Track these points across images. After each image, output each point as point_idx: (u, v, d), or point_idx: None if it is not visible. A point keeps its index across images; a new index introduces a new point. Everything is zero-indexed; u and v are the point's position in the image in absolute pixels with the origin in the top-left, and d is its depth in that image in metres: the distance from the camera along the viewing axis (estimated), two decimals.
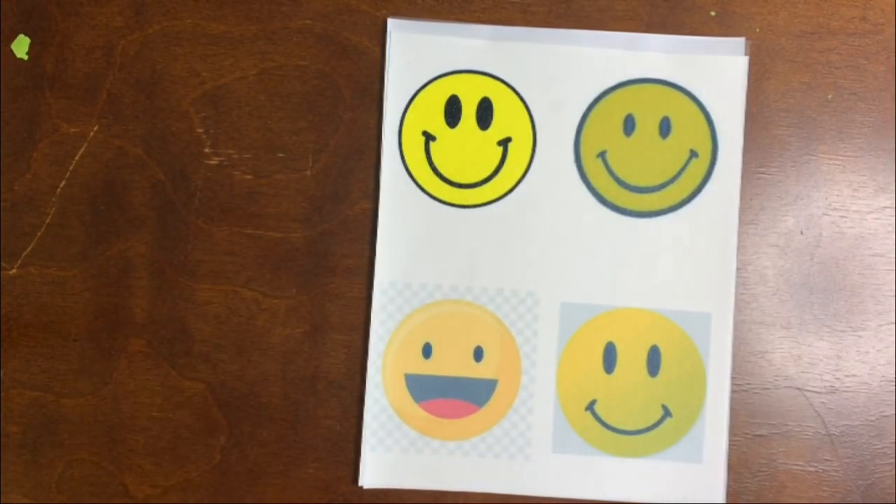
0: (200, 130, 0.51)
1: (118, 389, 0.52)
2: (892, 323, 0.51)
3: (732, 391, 0.51)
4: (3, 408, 0.52)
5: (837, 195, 0.51)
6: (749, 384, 0.51)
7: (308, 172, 0.51)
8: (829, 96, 0.51)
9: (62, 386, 0.52)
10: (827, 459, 0.51)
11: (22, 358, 0.52)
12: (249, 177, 0.51)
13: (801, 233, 0.51)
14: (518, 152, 0.51)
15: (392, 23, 0.51)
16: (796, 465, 0.51)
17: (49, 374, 0.52)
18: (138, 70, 0.51)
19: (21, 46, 0.52)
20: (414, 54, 0.51)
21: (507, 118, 0.51)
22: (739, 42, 0.50)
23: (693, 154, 0.51)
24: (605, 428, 0.51)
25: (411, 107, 0.51)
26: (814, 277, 0.51)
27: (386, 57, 0.51)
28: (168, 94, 0.51)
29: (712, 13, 0.51)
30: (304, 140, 0.51)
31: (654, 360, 0.51)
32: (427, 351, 0.51)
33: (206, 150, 0.51)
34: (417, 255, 0.51)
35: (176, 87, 0.51)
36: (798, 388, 0.51)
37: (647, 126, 0.51)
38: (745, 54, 0.50)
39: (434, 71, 0.51)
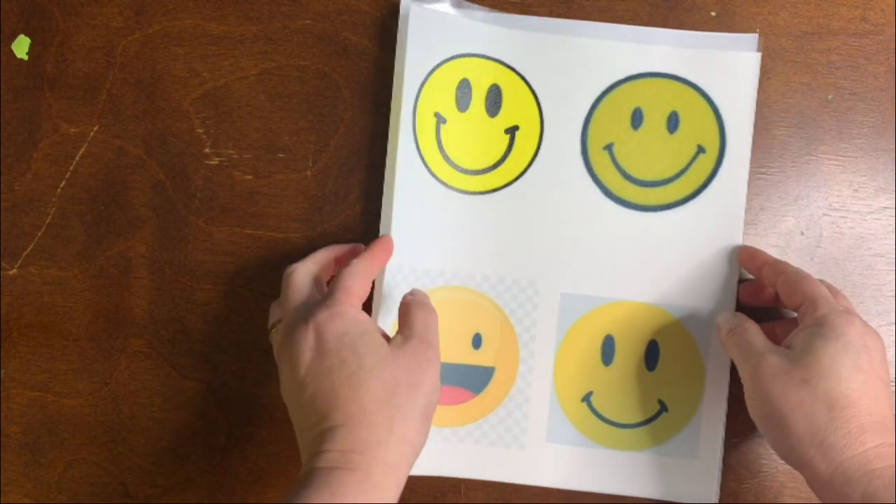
0: (200, 130, 0.51)
1: (118, 389, 0.52)
2: (892, 323, 0.51)
3: (733, 391, 0.50)
4: (3, 408, 0.52)
5: (838, 195, 0.51)
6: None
7: (308, 173, 0.51)
8: (830, 96, 0.51)
9: (62, 386, 0.52)
10: None
11: (22, 358, 0.52)
12: (249, 177, 0.51)
13: (802, 233, 0.51)
14: (525, 141, 0.50)
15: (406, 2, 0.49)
16: None
17: (49, 374, 0.52)
18: (138, 70, 0.51)
19: (21, 46, 0.51)
20: (432, 31, 0.49)
21: (515, 106, 0.50)
22: (752, 38, 0.50)
23: (700, 150, 0.50)
24: (600, 420, 0.51)
25: (426, 86, 0.49)
26: None
27: (402, 34, 0.49)
28: (168, 94, 0.51)
29: (713, 13, 0.51)
30: (304, 140, 0.51)
31: (652, 355, 0.50)
32: None
33: (207, 150, 0.51)
34: (425, 240, 0.50)
35: (176, 87, 0.51)
36: None
37: (655, 120, 0.50)
38: (758, 51, 0.49)
39: (448, 51, 0.49)
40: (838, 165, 0.51)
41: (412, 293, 0.46)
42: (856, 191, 0.51)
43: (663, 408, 0.50)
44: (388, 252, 0.48)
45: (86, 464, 0.52)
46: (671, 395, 0.50)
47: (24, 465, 0.52)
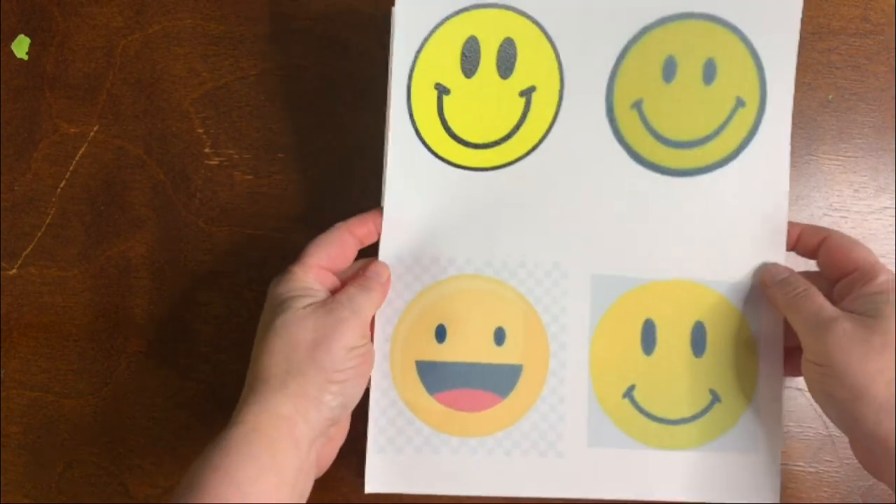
0: (200, 130, 0.51)
1: (118, 389, 0.52)
2: None
3: None
4: (3, 408, 0.52)
5: (838, 196, 0.51)
6: None
7: (308, 172, 0.51)
8: (830, 97, 0.51)
9: (62, 386, 0.52)
10: (827, 460, 0.51)
11: (22, 358, 0.52)
12: (249, 177, 0.51)
13: None
14: (543, 104, 0.45)
15: None
16: (796, 465, 0.51)
17: (49, 374, 0.52)
18: (138, 70, 0.51)
19: (21, 46, 0.51)
20: None
21: (531, 63, 0.45)
22: None
23: (740, 103, 0.45)
24: (645, 417, 0.45)
25: (423, 52, 0.44)
26: None
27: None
28: (168, 94, 0.51)
29: None
30: (304, 140, 0.51)
31: (698, 338, 0.45)
32: (441, 334, 0.45)
33: (207, 150, 0.51)
34: (428, 225, 0.45)
35: (176, 87, 0.51)
36: (799, 389, 0.50)
37: (690, 70, 0.44)
38: None
39: (450, 6, 0.44)
40: (839, 165, 0.51)
41: (363, 269, 0.44)
42: (856, 191, 0.51)
43: (715, 398, 0.45)
44: (371, 223, 0.45)
45: (86, 464, 0.52)
46: (723, 382, 0.45)
47: (24, 465, 0.52)
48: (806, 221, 0.51)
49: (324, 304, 0.42)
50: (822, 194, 0.51)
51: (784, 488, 0.51)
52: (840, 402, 0.40)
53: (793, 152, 0.51)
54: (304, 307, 0.41)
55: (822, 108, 0.51)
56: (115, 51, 0.51)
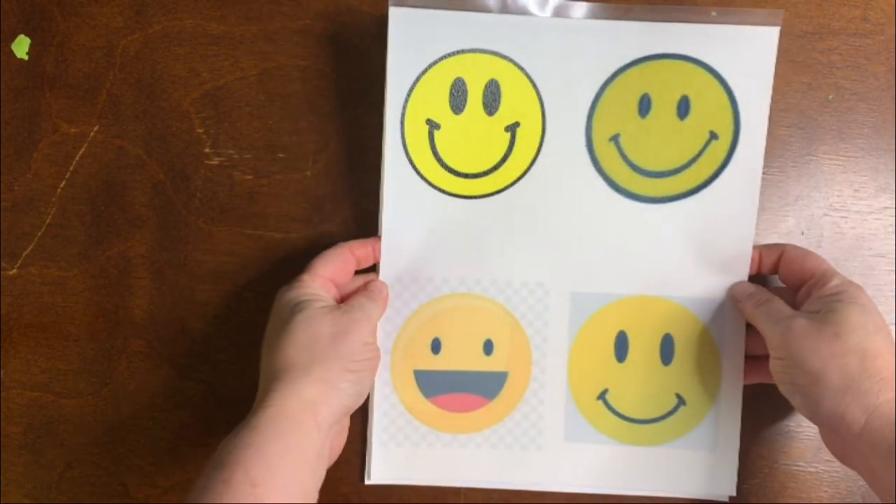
0: (200, 130, 0.51)
1: (118, 389, 0.52)
2: (892, 323, 0.51)
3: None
4: (3, 408, 0.52)
5: (838, 196, 0.51)
6: (750, 384, 0.50)
7: (308, 172, 0.51)
8: (830, 96, 0.51)
9: (62, 386, 0.52)
10: (827, 460, 0.51)
11: (22, 358, 0.52)
12: (249, 177, 0.51)
13: (802, 233, 0.51)
14: (527, 138, 0.49)
15: (393, 4, 0.47)
16: (796, 465, 0.51)
17: (49, 374, 0.52)
18: (138, 70, 0.51)
19: (21, 46, 0.51)
20: (417, 32, 0.47)
21: (515, 101, 0.48)
22: (777, 13, 0.47)
23: (713, 136, 0.48)
24: (617, 417, 0.50)
25: (415, 92, 0.48)
26: None
27: (388, 38, 0.48)
28: (168, 94, 0.51)
29: (713, 14, 0.51)
30: (304, 140, 0.51)
31: (667, 349, 0.50)
32: (436, 346, 0.50)
33: (207, 150, 0.51)
34: (423, 248, 0.49)
35: (176, 87, 0.51)
36: None
37: (664, 106, 0.48)
38: (779, 25, 0.47)
39: (438, 51, 0.47)
40: (839, 165, 0.51)
41: (366, 285, 0.49)
42: (856, 191, 0.51)
43: (681, 401, 0.50)
44: (370, 247, 0.49)
45: (86, 464, 0.52)
46: (689, 388, 0.50)
47: (24, 465, 0.52)
48: (806, 221, 0.51)
49: (337, 307, 0.46)
50: (822, 194, 0.51)
51: (784, 488, 0.51)
52: (802, 387, 0.43)
53: (793, 152, 0.51)
54: (321, 307, 0.45)
55: (822, 108, 0.51)
56: (115, 51, 0.51)
